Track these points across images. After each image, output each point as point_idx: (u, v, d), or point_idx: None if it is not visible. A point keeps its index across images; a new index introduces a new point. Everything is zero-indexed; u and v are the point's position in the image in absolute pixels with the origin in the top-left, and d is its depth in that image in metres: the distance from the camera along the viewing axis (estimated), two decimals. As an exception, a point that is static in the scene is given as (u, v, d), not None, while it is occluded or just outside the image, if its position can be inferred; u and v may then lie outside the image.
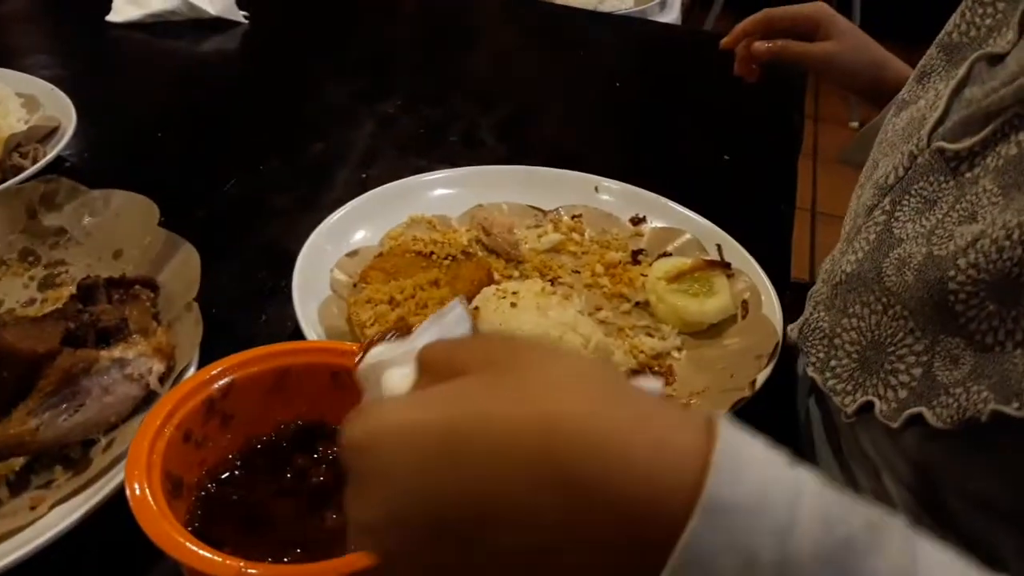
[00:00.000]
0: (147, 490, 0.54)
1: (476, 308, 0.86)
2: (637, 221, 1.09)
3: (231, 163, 1.18)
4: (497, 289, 0.88)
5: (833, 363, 0.77)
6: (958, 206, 0.67)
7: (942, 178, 0.71)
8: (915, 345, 0.70)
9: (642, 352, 0.90)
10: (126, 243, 0.91)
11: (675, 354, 0.91)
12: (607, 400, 0.35)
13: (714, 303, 0.93)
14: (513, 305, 0.84)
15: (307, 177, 1.16)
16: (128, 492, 0.54)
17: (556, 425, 0.33)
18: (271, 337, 0.87)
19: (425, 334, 0.45)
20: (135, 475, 0.55)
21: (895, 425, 0.69)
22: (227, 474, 0.65)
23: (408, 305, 0.81)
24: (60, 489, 0.69)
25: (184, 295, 0.83)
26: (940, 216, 0.69)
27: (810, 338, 0.79)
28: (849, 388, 0.76)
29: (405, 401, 0.39)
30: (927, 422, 0.65)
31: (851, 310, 0.77)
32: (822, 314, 0.80)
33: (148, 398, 0.76)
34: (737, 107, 1.44)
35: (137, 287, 0.84)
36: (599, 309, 0.96)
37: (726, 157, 1.32)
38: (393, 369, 0.44)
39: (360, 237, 1.00)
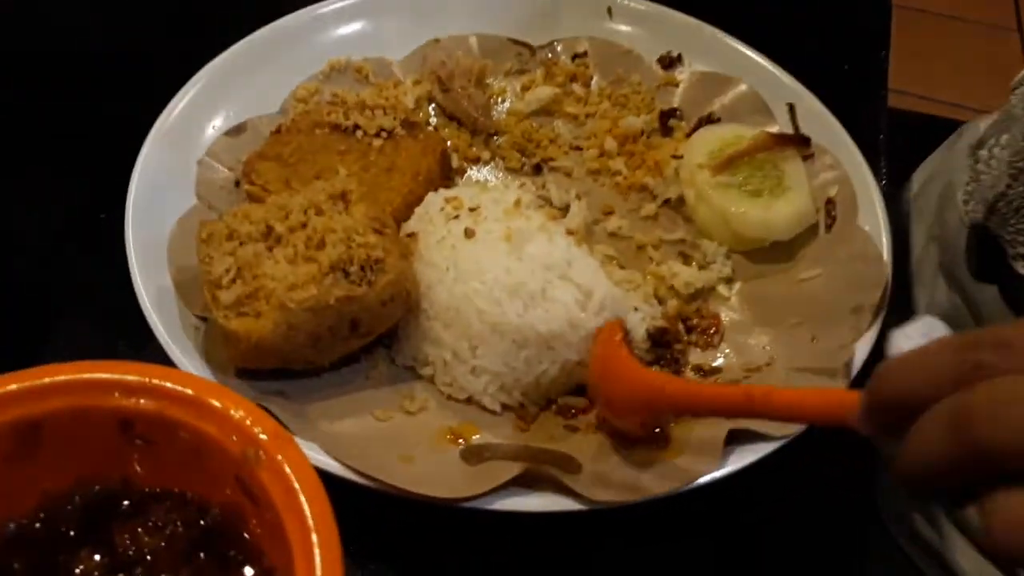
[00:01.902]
0: None
1: (412, 235, 0.55)
2: (669, 63, 0.74)
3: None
4: (447, 200, 0.56)
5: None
6: None
7: None
8: None
9: (672, 290, 0.59)
10: None
11: (723, 291, 0.60)
12: None
13: (784, 207, 0.61)
14: (469, 234, 0.53)
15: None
16: None
17: None
18: (101, 293, 0.56)
19: None
20: None
21: None
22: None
23: (294, 241, 0.50)
24: None
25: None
26: None
27: (1013, 220, 0.57)
28: None
29: None
30: None
31: None
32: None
33: None
34: None
35: None
36: (609, 214, 0.65)
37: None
38: None
39: (251, 100, 0.66)
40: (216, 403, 0.37)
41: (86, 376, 0.37)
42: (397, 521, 0.47)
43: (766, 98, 0.70)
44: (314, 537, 0.34)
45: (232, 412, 0.36)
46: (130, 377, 0.37)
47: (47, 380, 0.37)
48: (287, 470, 0.35)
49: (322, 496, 0.35)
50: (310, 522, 0.34)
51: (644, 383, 0.46)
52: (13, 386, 0.37)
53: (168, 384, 0.37)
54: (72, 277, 0.58)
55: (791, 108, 0.69)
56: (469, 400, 0.52)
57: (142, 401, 0.37)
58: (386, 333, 0.53)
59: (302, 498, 0.34)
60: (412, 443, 0.48)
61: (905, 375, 0.32)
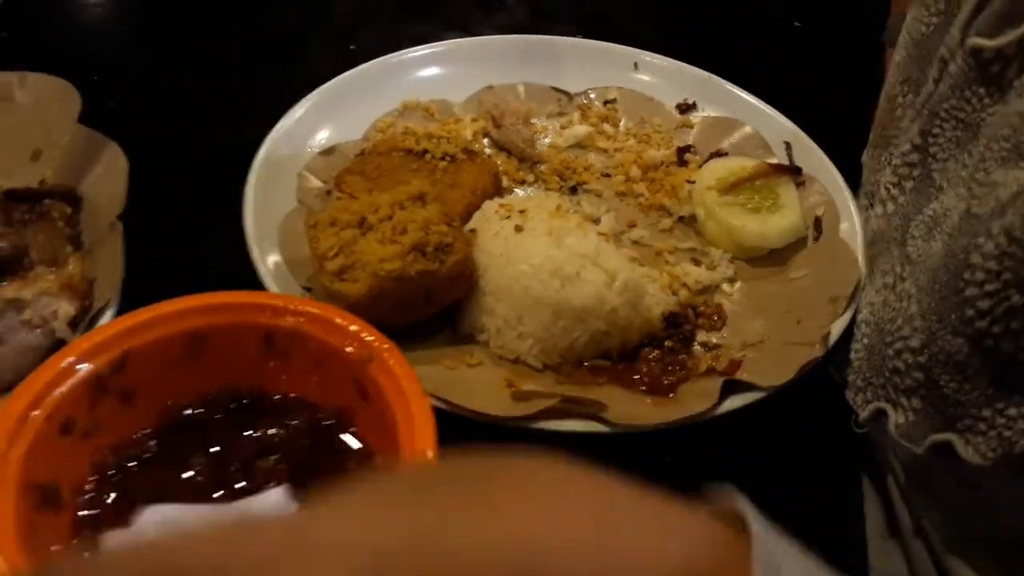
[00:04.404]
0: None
1: (472, 231, 0.68)
2: (685, 108, 0.88)
3: (192, 33, 0.97)
4: (500, 205, 0.69)
5: (849, 345, 0.63)
6: (1001, 135, 0.48)
7: (982, 91, 0.51)
8: (911, 339, 0.53)
9: (684, 286, 0.71)
10: (46, 141, 0.73)
11: (726, 288, 0.72)
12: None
13: (779, 221, 0.73)
14: (519, 229, 0.66)
15: (280, 50, 0.96)
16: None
17: None
18: (221, 264, 0.70)
19: None
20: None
21: (919, 450, 0.53)
22: (132, 464, 0.49)
23: (383, 229, 0.63)
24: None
25: (107, 212, 0.66)
26: (981, 151, 0.50)
27: None
28: (860, 383, 0.60)
29: None
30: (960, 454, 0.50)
31: (874, 278, 0.62)
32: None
33: (57, 348, 0.60)
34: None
35: (48, 202, 0.67)
36: (632, 225, 0.77)
37: (797, 24, 1.08)
38: None
39: (339, 129, 0.81)
40: (339, 320, 0.49)
41: (244, 300, 0.50)
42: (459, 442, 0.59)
43: (767, 138, 0.83)
44: (417, 417, 0.45)
45: (351, 327, 0.49)
46: (276, 302, 0.50)
47: (214, 301, 0.50)
48: (395, 369, 0.47)
49: (420, 389, 0.47)
50: (413, 407, 0.46)
51: None
52: (189, 304, 0.50)
53: (303, 307, 0.50)
54: (204, 251, 0.72)
55: (788, 146, 0.82)
56: (516, 360, 0.64)
57: (285, 319, 0.50)
58: (451, 306, 0.65)
59: (405, 386, 0.46)
60: (474, 385, 0.60)
61: None
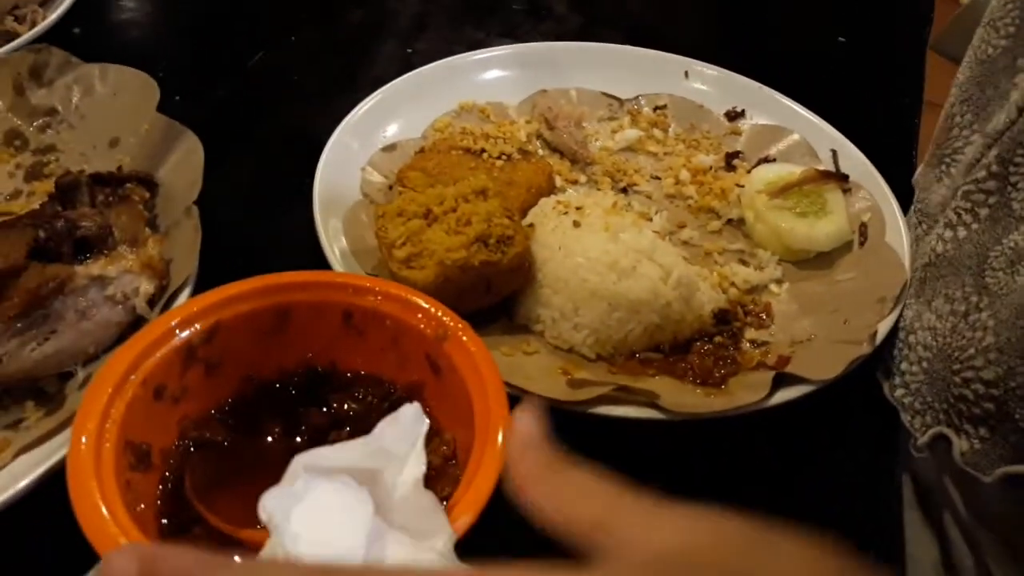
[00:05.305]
0: (92, 481, 0.42)
1: (531, 225, 0.71)
2: (734, 116, 0.90)
3: (257, 34, 1.01)
4: (558, 202, 0.72)
5: (904, 366, 0.63)
6: None
7: None
8: (984, 371, 0.53)
9: (733, 285, 0.73)
10: (124, 129, 0.77)
11: (774, 288, 0.74)
12: None
13: (826, 226, 0.75)
14: (576, 224, 0.68)
15: (343, 52, 1.00)
16: (70, 489, 0.42)
17: None
18: (289, 250, 0.73)
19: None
20: (79, 455, 0.43)
21: (987, 479, 0.53)
22: (212, 431, 0.52)
23: (448, 220, 0.66)
24: (29, 432, 0.58)
25: (184, 197, 0.69)
26: None
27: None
28: (918, 406, 0.60)
29: None
30: None
31: (935, 303, 0.61)
32: (907, 299, 0.65)
33: (136, 324, 0.63)
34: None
35: (129, 186, 0.70)
36: (682, 227, 0.79)
37: (841, 39, 1.10)
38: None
39: (400, 127, 0.84)
40: (417, 300, 0.52)
41: (327, 279, 0.53)
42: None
43: (814, 146, 0.85)
44: (490, 390, 0.48)
45: (428, 307, 0.51)
46: (358, 282, 0.53)
47: (300, 278, 0.53)
48: (469, 346, 0.50)
49: (493, 363, 0.49)
50: (487, 380, 0.48)
51: None
52: (277, 280, 0.52)
53: (382, 287, 0.53)
54: (274, 236, 0.75)
55: (834, 153, 0.84)
56: (570, 350, 0.66)
57: (365, 298, 0.52)
58: (509, 296, 0.68)
59: (479, 362, 0.49)
60: (531, 371, 0.63)
61: None
